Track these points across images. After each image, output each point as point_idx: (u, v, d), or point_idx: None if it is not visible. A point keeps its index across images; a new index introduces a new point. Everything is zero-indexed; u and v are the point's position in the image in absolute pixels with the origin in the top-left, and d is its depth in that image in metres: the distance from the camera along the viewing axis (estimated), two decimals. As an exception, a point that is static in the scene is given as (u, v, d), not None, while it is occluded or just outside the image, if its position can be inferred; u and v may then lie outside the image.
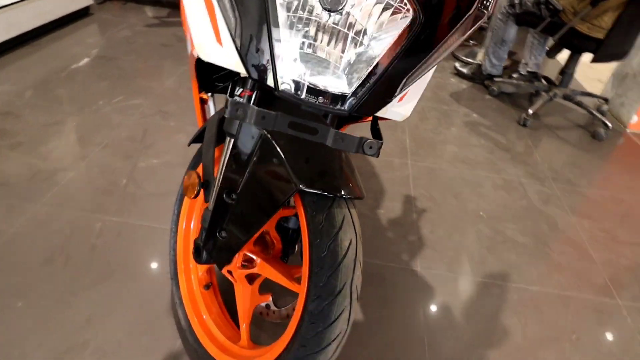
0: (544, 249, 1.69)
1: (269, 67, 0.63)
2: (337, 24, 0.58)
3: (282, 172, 0.82)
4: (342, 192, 0.81)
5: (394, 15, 0.61)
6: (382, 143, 0.66)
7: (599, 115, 2.57)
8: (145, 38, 3.12)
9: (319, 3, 0.57)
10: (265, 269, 1.00)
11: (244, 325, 1.06)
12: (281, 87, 0.64)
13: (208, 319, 1.15)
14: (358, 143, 0.65)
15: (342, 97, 0.63)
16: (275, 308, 1.11)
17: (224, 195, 0.91)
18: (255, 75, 0.66)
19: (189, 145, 1.19)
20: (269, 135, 0.84)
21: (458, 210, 1.82)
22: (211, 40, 0.66)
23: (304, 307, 0.84)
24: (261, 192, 0.85)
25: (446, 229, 1.72)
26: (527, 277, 1.55)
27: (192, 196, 0.97)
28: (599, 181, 2.18)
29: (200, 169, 1.10)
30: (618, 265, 1.66)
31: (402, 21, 0.61)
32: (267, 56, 0.63)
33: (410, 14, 0.61)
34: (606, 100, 2.77)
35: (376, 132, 0.68)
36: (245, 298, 1.06)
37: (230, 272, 1.06)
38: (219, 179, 0.94)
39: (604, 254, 1.71)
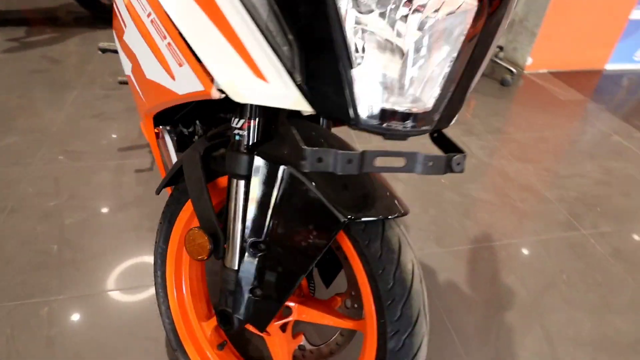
0: (508, 201, 1.78)
1: (344, 98, 0.50)
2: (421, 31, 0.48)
3: (320, 206, 0.70)
4: (393, 212, 0.72)
5: (458, 9, 0.52)
6: (466, 155, 0.58)
7: (503, 63, 2.76)
8: (8, 67, 2.59)
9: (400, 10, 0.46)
10: (305, 313, 0.88)
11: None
12: (364, 119, 0.52)
13: (236, 383, 0.99)
14: (446, 163, 0.56)
15: (425, 115, 0.53)
16: (311, 347, 0.99)
17: (249, 248, 0.77)
18: (324, 110, 0.53)
19: (159, 193, 0.99)
20: (293, 170, 0.71)
21: (421, 184, 1.83)
22: (248, 77, 0.50)
23: (379, 346, 0.75)
24: (298, 234, 0.73)
25: (420, 205, 1.72)
26: (505, 231, 1.62)
27: (205, 259, 0.80)
28: (522, 124, 2.35)
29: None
30: (569, 199, 1.82)
31: (468, 14, 0.53)
32: (339, 86, 0.50)
33: (475, 4, 0.53)
34: (500, 48, 2.99)
35: (448, 144, 0.60)
36: (283, 348, 0.93)
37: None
38: (234, 230, 0.78)
39: (555, 191, 1.85)
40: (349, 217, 0.69)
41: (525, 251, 1.54)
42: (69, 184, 1.69)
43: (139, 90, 0.89)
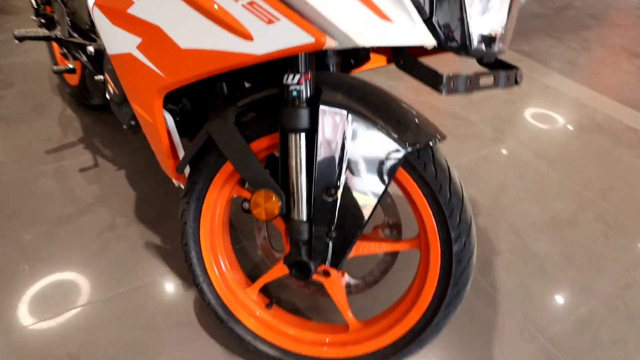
0: (445, 129, 2.01)
1: (460, 27, 0.57)
2: None
3: (384, 141, 0.78)
4: (438, 137, 0.82)
5: None
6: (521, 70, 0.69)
7: None
8: None
9: None
10: (360, 247, 0.96)
11: (349, 314, 1.02)
12: (476, 46, 0.59)
13: (298, 332, 1.05)
14: (515, 75, 0.66)
15: (501, 38, 0.63)
16: (356, 281, 1.08)
17: (322, 195, 0.81)
18: (447, 41, 0.58)
19: (182, 171, 0.97)
20: (353, 113, 0.77)
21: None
22: (372, 20, 0.54)
23: (443, 253, 0.87)
24: (366, 172, 0.80)
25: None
26: (451, 154, 1.85)
27: (276, 216, 0.83)
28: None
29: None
30: (489, 119, 2.12)
31: None
32: (457, 15, 0.56)
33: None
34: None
35: (505, 64, 0.69)
36: (340, 287, 1.00)
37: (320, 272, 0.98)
38: (299, 183, 0.82)
39: (477, 115, 2.14)
40: (409, 148, 0.77)
41: (472, 167, 1.79)
42: (6, 202, 1.48)
43: (151, 65, 0.84)
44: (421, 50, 0.90)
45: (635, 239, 1.51)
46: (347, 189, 0.81)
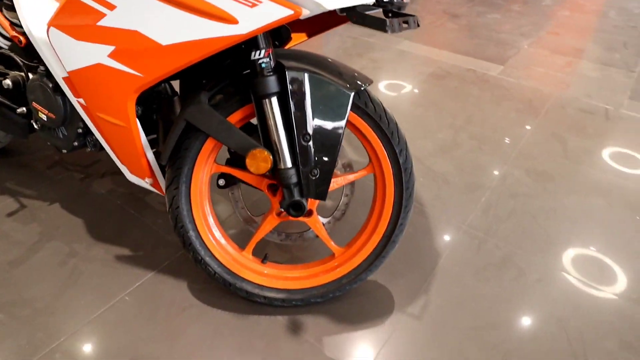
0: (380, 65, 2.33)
1: None
2: None
3: (334, 91, 1.02)
4: (369, 80, 1.10)
5: None
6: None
7: None
8: None
9: None
10: (333, 183, 1.18)
11: (332, 244, 1.24)
12: (395, 2, 0.85)
13: (295, 273, 1.24)
14: (416, 20, 0.94)
15: (406, -7, 0.91)
16: (328, 219, 1.29)
17: (300, 141, 1.02)
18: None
19: (166, 161, 1.09)
20: (309, 73, 1.00)
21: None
22: None
23: (393, 165, 1.14)
24: (325, 117, 1.03)
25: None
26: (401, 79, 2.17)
27: (269, 168, 1.01)
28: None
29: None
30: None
31: None
32: None
33: None
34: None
35: (403, 14, 0.97)
36: (320, 223, 1.22)
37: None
38: (280, 138, 1.02)
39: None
40: (354, 89, 1.03)
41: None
42: None
43: (125, 68, 0.95)
44: (338, 18, 1.17)
45: (499, 144, 2.01)
46: (317, 132, 1.03)
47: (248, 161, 1.00)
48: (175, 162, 1.10)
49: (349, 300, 1.30)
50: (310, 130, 1.02)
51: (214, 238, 1.18)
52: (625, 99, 2.45)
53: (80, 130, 1.28)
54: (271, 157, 1.01)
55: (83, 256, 1.41)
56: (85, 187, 1.68)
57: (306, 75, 0.99)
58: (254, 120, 1.09)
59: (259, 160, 1.00)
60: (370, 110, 1.10)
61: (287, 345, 1.18)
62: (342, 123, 1.04)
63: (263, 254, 1.34)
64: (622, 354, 1.19)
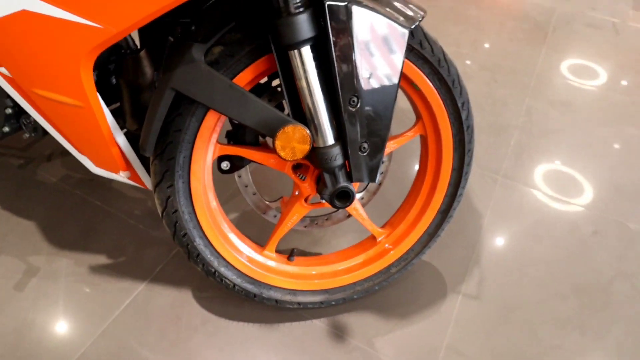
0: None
1: None
2: None
3: (385, 28, 0.71)
4: (424, 11, 0.79)
5: None
6: None
7: None
8: None
9: None
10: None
11: (374, 226, 0.99)
12: None
13: (331, 267, 0.99)
14: None
15: None
16: (361, 195, 1.03)
17: (349, 107, 0.73)
18: None
19: (150, 151, 0.77)
20: (355, 4, 0.68)
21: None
22: None
23: (453, 123, 0.88)
24: (376, 69, 0.73)
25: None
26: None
27: (308, 149, 0.71)
28: None
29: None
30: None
31: None
32: None
33: None
34: None
35: None
36: (358, 203, 0.96)
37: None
38: (317, 106, 0.72)
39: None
40: (410, 24, 0.73)
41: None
42: None
43: (73, 17, 0.59)
44: None
45: (514, 73, 1.77)
46: (367, 92, 0.73)
47: (279, 144, 0.70)
48: (163, 150, 0.77)
49: (392, 288, 1.08)
50: (359, 90, 0.72)
51: (228, 242, 0.90)
52: (630, 9, 2.24)
53: (10, 111, 0.91)
54: (310, 133, 0.71)
55: (46, 272, 1.08)
56: (29, 176, 1.30)
57: (354, 8, 0.66)
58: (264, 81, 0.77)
59: (294, 142, 0.70)
60: (426, 51, 0.80)
61: (334, 356, 0.96)
62: (398, 73, 0.74)
63: (287, 248, 1.08)
64: None
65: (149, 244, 1.15)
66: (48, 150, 1.38)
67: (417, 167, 1.02)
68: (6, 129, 0.93)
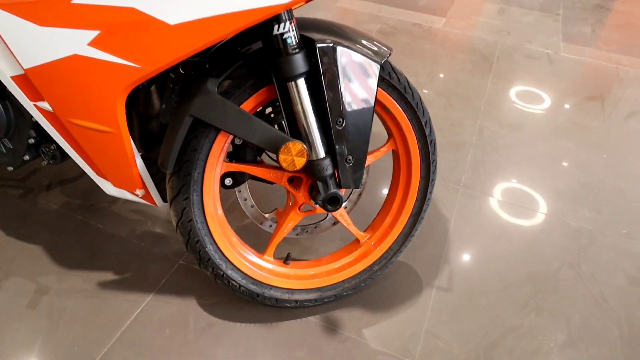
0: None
1: None
2: None
3: (361, 63, 0.89)
4: (390, 49, 0.98)
5: None
6: None
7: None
8: None
9: None
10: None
11: (357, 230, 1.14)
12: None
13: (323, 268, 1.13)
14: None
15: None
16: (345, 204, 1.18)
17: (334, 127, 0.89)
18: None
19: (171, 168, 0.90)
20: (338, 45, 0.85)
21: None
22: None
23: (419, 139, 1.06)
24: (356, 95, 0.90)
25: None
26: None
27: (305, 161, 0.87)
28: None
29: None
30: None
31: None
32: None
33: None
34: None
35: None
36: (342, 208, 1.11)
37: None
38: (310, 125, 0.88)
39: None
40: (380, 59, 0.91)
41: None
42: None
43: (115, 59, 0.73)
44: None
45: (466, 98, 2.01)
46: (350, 113, 0.90)
47: (282, 157, 0.85)
48: (181, 168, 0.91)
49: (376, 286, 1.22)
50: (344, 112, 0.89)
51: (234, 248, 1.02)
52: (560, 41, 2.58)
53: (32, 141, 1.01)
54: (307, 149, 0.86)
55: (57, 290, 1.16)
56: (30, 204, 1.39)
57: (338, 48, 0.84)
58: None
59: (294, 155, 0.85)
60: (394, 81, 0.99)
61: (329, 346, 1.09)
62: (373, 97, 0.91)
63: (281, 256, 1.21)
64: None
65: (152, 260, 1.25)
66: (46, 180, 1.47)
67: (386, 188, 1.19)
68: (27, 157, 1.03)
